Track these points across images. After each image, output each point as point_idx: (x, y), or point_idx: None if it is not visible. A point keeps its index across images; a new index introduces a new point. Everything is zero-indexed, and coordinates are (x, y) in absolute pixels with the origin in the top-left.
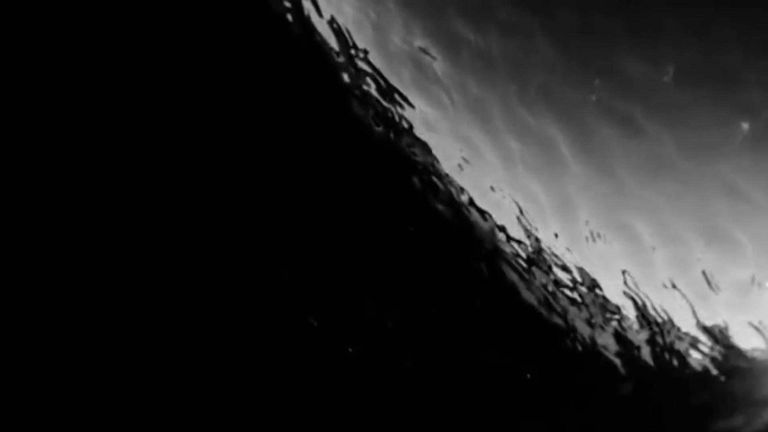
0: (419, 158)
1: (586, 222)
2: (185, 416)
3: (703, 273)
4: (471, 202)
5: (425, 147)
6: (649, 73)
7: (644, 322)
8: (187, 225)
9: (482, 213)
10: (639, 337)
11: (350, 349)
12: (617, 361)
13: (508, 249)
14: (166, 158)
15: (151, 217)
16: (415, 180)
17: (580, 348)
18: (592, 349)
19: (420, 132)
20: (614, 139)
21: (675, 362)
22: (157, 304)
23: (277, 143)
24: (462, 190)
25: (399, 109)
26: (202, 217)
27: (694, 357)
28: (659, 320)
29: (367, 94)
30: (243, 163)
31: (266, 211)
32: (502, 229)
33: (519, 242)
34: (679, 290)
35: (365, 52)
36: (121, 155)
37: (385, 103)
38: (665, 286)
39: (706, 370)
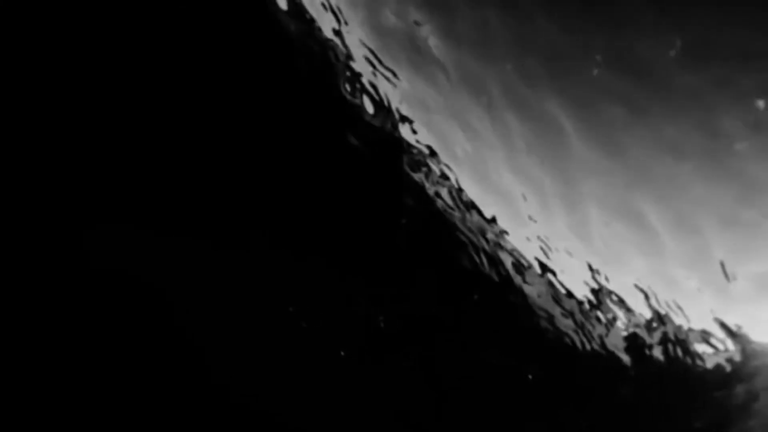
0: (414, 143)
1: (593, 210)
2: (180, 419)
3: (721, 264)
4: (464, 191)
5: (420, 130)
6: (654, 48)
7: (655, 317)
8: (174, 222)
9: (481, 204)
10: (649, 333)
11: (342, 353)
12: (626, 359)
13: (509, 241)
14: (149, 151)
15: (143, 216)
16: (409, 167)
17: (587, 346)
18: (599, 346)
19: (415, 115)
20: (620, 119)
21: (688, 359)
22: (149, 305)
23: (263, 131)
24: (459, 179)
25: (393, 91)
26: (187, 213)
27: (708, 353)
28: (672, 315)
29: (359, 75)
30: (227, 155)
31: (252, 206)
32: (502, 224)
33: (526, 239)
34: (693, 282)
35: (357, 30)
36: (109, 150)
37: (378, 85)
38: (678, 278)
39: (720, 368)
